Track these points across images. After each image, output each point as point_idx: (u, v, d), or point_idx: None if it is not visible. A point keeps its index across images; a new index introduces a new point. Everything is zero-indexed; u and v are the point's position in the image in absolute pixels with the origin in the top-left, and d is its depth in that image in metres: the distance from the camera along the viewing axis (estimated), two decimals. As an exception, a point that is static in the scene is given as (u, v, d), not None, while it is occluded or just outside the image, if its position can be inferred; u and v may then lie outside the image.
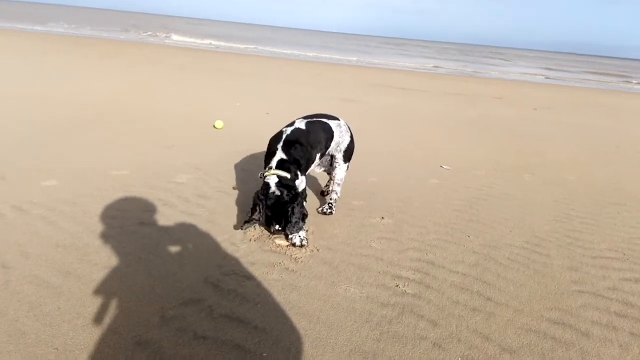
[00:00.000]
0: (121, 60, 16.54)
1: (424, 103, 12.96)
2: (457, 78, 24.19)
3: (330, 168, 4.42)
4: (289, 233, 3.65)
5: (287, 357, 2.46)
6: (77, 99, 8.88)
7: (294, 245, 3.66)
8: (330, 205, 4.38)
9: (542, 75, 33.61)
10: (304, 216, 3.71)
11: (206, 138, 6.88)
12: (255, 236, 3.75)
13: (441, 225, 4.31)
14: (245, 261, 3.36)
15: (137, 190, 4.49)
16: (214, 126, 8.84)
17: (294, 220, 3.58)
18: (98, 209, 4.01)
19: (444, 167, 6.36)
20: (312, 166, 4.10)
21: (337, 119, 4.31)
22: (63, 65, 13.81)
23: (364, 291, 3.11)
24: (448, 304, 3.03)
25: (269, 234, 3.79)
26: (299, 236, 3.67)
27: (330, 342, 2.58)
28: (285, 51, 34.27)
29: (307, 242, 3.70)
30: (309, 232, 3.92)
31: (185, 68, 16.14)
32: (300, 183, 3.78)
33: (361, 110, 10.75)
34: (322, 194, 4.82)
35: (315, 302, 2.94)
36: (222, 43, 36.29)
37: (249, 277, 3.16)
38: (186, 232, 3.72)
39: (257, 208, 3.62)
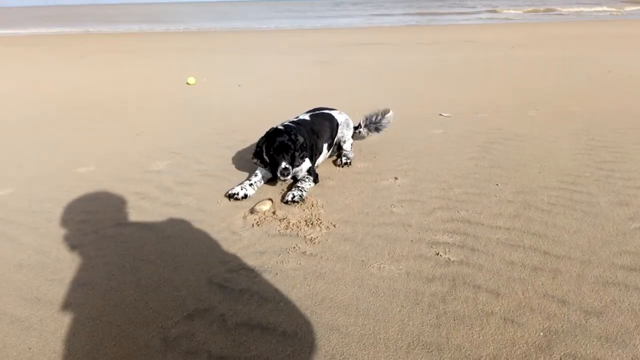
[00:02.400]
0: (71, 53, 15.29)
1: (400, 55, 12.32)
2: (422, 28, 23.47)
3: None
4: (292, 178, 3.65)
5: (333, 366, 1.94)
6: (30, 97, 7.95)
7: (286, 202, 3.39)
8: (347, 157, 4.24)
9: (505, 17, 33.09)
10: (310, 173, 3.73)
11: (178, 119, 6.16)
12: (258, 220, 3.18)
13: (462, 177, 3.80)
14: (252, 251, 2.79)
15: (109, 186, 3.83)
16: (187, 83, 8.24)
17: (298, 155, 3.56)
18: (65, 214, 3.36)
19: (444, 114, 5.83)
20: (321, 158, 4.08)
21: (336, 110, 4.47)
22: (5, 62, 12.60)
23: (401, 267, 2.59)
24: (503, 267, 2.55)
25: (270, 215, 3.23)
26: (292, 192, 3.46)
27: (380, 338, 2.07)
28: (239, 24, 32.76)
29: (303, 200, 3.45)
30: (318, 205, 3.37)
31: (140, 52, 15.03)
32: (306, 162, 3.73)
33: (339, 70, 10.06)
34: (335, 163, 4.26)
35: (348, 289, 2.41)
36: (164, 26, 34.46)
37: (262, 270, 2.60)
38: (175, 227, 3.12)
39: (259, 151, 3.65)
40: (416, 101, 6.76)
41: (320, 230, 3.02)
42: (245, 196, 3.51)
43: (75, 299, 2.40)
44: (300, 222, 3.13)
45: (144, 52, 14.83)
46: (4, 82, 9.53)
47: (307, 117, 4.12)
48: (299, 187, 3.54)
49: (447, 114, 5.83)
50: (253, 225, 3.11)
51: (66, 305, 2.35)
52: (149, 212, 3.35)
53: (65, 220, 3.27)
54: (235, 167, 4.21)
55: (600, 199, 3.31)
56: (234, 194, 3.50)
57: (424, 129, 5.26)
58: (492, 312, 2.20)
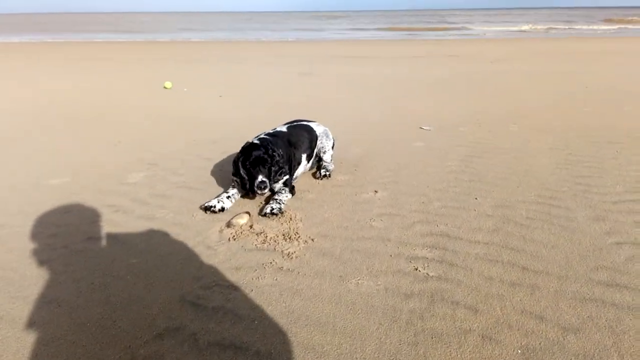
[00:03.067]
0: (48, 62, 15.05)
1: (382, 68, 12.43)
2: (403, 42, 23.84)
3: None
4: (270, 190, 3.55)
5: (307, 388, 1.87)
6: (4, 106, 7.76)
7: (264, 215, 3.35)
8: (326, 169, 4.16)
9: (483, 31, 33.78)
10: (286, 185, 3.69)
11: (157, 129, 6.06)
12: (234, 234, 3.11)
13: (442, 191, 3.80)
14: (227, 267, 2.72)
15: (82, 199, 3.72)
16: (164, 87, 8.26)
17: (274, 170, 3.52)
18: (34, 228, 3.24)
19: (425, 127, 5.85)
20: (301, 169, 4.04)
21: (314, 122, 4.42)
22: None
23: (379, 282, 2.54)
24: (481, 283, 2.52)
25: (247, 229, 3.16)
26: (271, 205, 3.41)
27: (357, 357, 2.01)
28: (224, 35, 32.78)
29: (282, 212, 3.39)
30: (296, 219, 3.32)
31: (119, 61, 14.87)
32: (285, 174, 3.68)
33: (322, 82, 10.08)
34: (314, 176, 4.20)
35: (325, 307, 2.35)
36: (150, 35, 34.32)
37: (236, 287, 2.53)
38: (148, 242, 3.02)
39: (236, 168, 3.57)
40: (398, 114, 6.79)
41: (299, 244, 2.97)
42: (223, 209, 3.44)
43: (40, 318, 2.29)
44: (277, 236, 3.07)
45: (123, 62, 14.68)
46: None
47: (284, 128, 4.08)
48: (276, 199, 3.48)
49: (427, 127, 5.85)
50: (229, 239, 3.04)
51: (30, 324, 2.24)
52: (122, 225, 3.25)
53: (34, 234, 3.15)
54: (214, 179, 4.14)
55: (577, 214, 3.32)
56: (211, 206, 3.42)
57: (405, 142, 5.26)
58: (470, 329, 2.16)
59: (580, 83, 9.35)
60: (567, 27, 35.34)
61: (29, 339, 2.15)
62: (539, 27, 35.93)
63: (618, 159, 4.51)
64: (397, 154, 4.83)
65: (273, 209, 3.36)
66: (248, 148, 3.53)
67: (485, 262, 2.72)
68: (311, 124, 4.32)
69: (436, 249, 2.88)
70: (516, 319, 2.23)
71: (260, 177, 3.40)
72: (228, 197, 3.53)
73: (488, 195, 3.68)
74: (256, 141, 3.61)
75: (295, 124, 4.25)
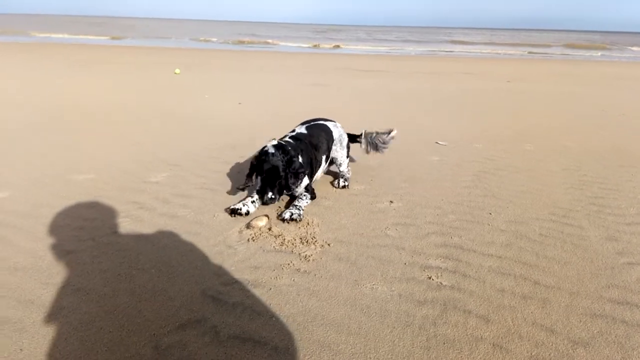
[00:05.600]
0: (74, 61, 15.44)
1: (396, 83, 12.56)
2: (419, 58, 23.97)
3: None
4: (289, 195, 3.67)
5: (322, 383, 1.95)
6: (31, 100, 8.01)
7: (283, 220, 3.41)
8: (344, 178, 4.24)
9: (500, 51, 33.85)
10: (308, 190, 3.76)
11: (178, 132, 6.22)
12: (253, 235, 3.21)
13: (456, 204, 3.87)
14: (247, 266, 2.82)
15: (107, 195, 3.86)
16: (174, 72, 8.69)
17: (291, 183, 3.51)
18: (61, 220, 3.37)
19: (440, 143, 5.93)
20: (320, 171, 4.12)
21: (333, 121, 4.42)
22: (8, 66, 12.70)
23: (393, 288, 2.62)
24: (493, 294, 2.59)
25: (266, 231, 3.26)
26: (290, 211, 3.47)
27: (371, 357, 2.09)
28: (244, 44, 33.25)
29: (301, 218, 3.46)
30: (314, 224, 3.41)
31: (141, 65, 15.20)
32: (303, 180, 3.69)
33: (336, 93, 10.23)
34: (332, 184, 4.30)
35: (340, 308, 2.43)
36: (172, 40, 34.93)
37: (255, 284, 2.62)
38: (171, 238, 3.14)
39: (251, 171, 3.60)
40: (413, 128, 6.88)
41: (315, 248, 3.06)
42: (248, 212, 3.53)
43: (69, 304, 2.40)
44: (295, 240, 3.17)
45: (143, 65, 15.00)
46: (4, 86, 9.59)
47: (304, 129, 4.07)
48: (296, 205, 3.57)
49: (443, 142, 5.93)
50: (248, 240, 3.14)
51: (59, 309, 2.35)
52: (146, 222, 3.37)
53: (62, 226, 3.28)
54: (233, 182, 4.26)
55: (590, 233, 3.37)
56: (237, 209, 3.50)
57: (421, 156, 5.35)
58: (481, 337, 2.23)
59: (595, 105, 9.37)
60: (587, 53, 35.24)
61: (59, 323, 2.26)
62: (553, 51, 35.83)
63: (633, 181, 4.55)
64: (413, 166, 4.91)
65: (292, 214, 3.45)
66: (261, 158, 3.51)
67: (497, 274, 2.79)
68: (328, 124, 4.28)
69: (450, 259, 2.95)
70: (527, 330, 2.29)
71: (269, 194, 3.44)
72: (252, 201, 3.60)
73: (502, 211, 3.74)
74: (271, 148, 3.52)
75: (313, 123, 4.22)
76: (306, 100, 8.96)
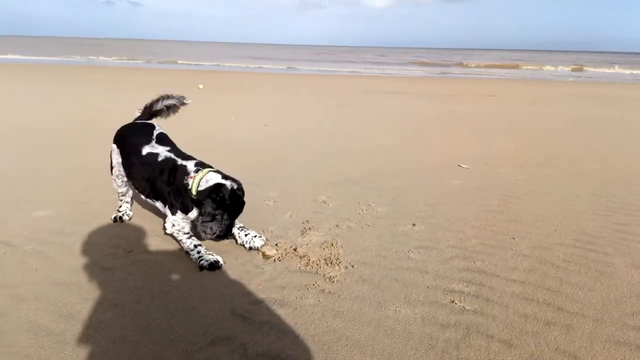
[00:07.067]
0: (111, 81, 16.08)
1: (420, 104, 12.66)
2: (442, 80, 24.05)
3: None
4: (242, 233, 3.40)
5: (347, 402, 2.02)
6: (69, 120, 8.41)
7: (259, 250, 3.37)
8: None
9: (515, 72, 33.66)
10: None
11: (205, 153, 6.42)
12: (279, 255, 3.31)
13: (479, 229, 3.91)
14: (273, 285, 2.92)
15: (140, 214, 4.03)
16: (198, 87, 9.13)
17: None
18: (99, 238, 3.56)
19: (463, 166, 5.98)
20: None
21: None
22: (36, 91, 13.32)
23: (417, 311, 2.68)
24: (516, 319, 2.61)
25: (292, 251, 3.37)
26: (258, 236, 3.42)
27: (394, 378, 2.14)
28: (269, 66, 33.98)
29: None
30: (338, 245, 3.50)
31: (162, 86, 15.71)
32: None
33: (359, 114, 10.39)
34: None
35: (364, 329, 2.50)
36: (211, 63, 35.94)
37: (282, 304, 2.72)
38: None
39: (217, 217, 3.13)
40: (435, 150, 6.94)
41: (339, 269, 3.14)
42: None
43: (107, 319, 2.54)
44: (319, 261, 3.26)
45: (169, 86, 15.50)
46: (41, 108, 10.07)
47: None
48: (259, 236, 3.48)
49: (466, 166, 5.97)
50: (275, 260, 3.25)
51: (98, 324, 2.49)
52: (177, 242, 3.51)
53: (99, 244, 3.46)
54: (258, 203, 4.39)
55: (615, 260, 3.36)
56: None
57: (443, 178, 5.40)
58: (504, 362, 2.26)
59: (621, 128, 9.26)
60: (610, 70, 34.76)
61: (98, 336, 2.39)
62: (568, 73, 35.47)
63: (660, 208, 4.49)
64: (435, 189, 4.97)
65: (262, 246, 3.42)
66: (218, 184, 3.16)
67: (520, 300, 2.81)
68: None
69: (472, 284, 2.99)
70: (550, 356, 2.31)
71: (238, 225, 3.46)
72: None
73: (525, 236, 3.76)
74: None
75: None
76: (329, 121, 9.12)
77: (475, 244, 3.61)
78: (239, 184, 3.25)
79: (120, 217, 3.87)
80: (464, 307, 2.73)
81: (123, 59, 35.71)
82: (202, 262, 3.10)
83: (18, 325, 2.47)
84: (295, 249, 3.42)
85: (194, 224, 3.30)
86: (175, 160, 3.31)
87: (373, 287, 2.93)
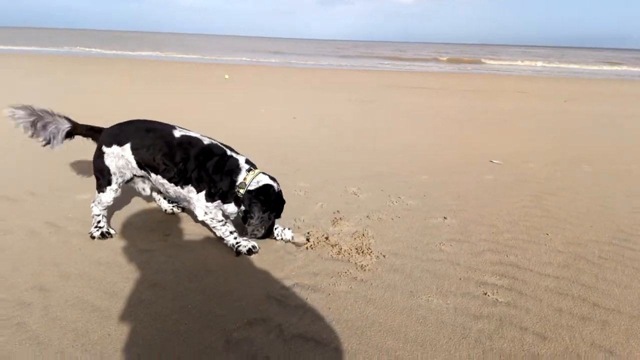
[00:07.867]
0: (149, 78, 16.44)
1: (446, 100, 12.50)
2: (469, 75, 23.60)
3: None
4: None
5: (381, 385, 2.06)
6: (113, 110, 8.67)
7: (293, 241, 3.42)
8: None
9: (555, 70, 32.77)
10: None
11: (237, 146, 6.53)
12: (311, 244, 3.37)
13: (512, 223, 3.87)
14: (306, 272, 2.98)
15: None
16: (224, 77, 9.37)
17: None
18: (138, 221, 3.68)
19: (495, 161, 5.91)
20: None
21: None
22: (90, 84, 13.73)
23: (449, 301, 2.69)
24: (551, 313, 2.60)
25: (324, 240, 3.41)
26: (288, 228, 3.47)
27: (427, 365, 2.17)
28: (293, 61, 34.05)
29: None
30: (369, 236, 3.53)
31: (196, 82, 15.97)
32: None
33: (384, 110, 10.34)
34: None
35: (396, 317, 2.53)
36: (244, 58, 36.28)
37: (315, 289, 2.77)
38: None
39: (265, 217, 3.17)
40: (465, 145, 6.87)
41: (371, 259, 3.18)
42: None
43: (147, 297, 2.64)
44: (351, 250, 3.30)
45: (195, 80, 15.74)
46: (95, 100, 10.38)
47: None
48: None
49: (497, 161, 5.90)
50: (307, 247, 3.31)
51: (140, 302, 2.60)
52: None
53: (140, 227, 3.58)
54: (288, 193, 4.45)
55: (653, 258, 3.29)
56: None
57: (474, 174, 5.36)
58: (538, 353, 2.26)
59: (663, 128, 8.96)
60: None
61: (140, 313, 2.50)
62: (619, 67, 34.33)
63: (701, 208, 4.36)
64: (466, 184, 4.93)
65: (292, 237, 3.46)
66: (267, 186, 3.21)
67: (555, 294, 2.79)
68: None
69: (505, 277, 2.98)
70: (585, 350, 2.30)
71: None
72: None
73: (559, 232, 3.71)
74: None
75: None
76: (354, 117, 9.13)
77: (508, 238, 3.58)
78: (278, 184, 3.29)
79: (108, 232, 3.41)
80: (496, 299, 2.73)
81: (171, 54, 36.34)
82: (240, 247, 3.18)
83: (65, 301, 2.59)
84: (327, 238, 3.46)
85: (240, 224, 3.33)
86: (224, 150, 3.31)
87: (404, 276, 2.96)
